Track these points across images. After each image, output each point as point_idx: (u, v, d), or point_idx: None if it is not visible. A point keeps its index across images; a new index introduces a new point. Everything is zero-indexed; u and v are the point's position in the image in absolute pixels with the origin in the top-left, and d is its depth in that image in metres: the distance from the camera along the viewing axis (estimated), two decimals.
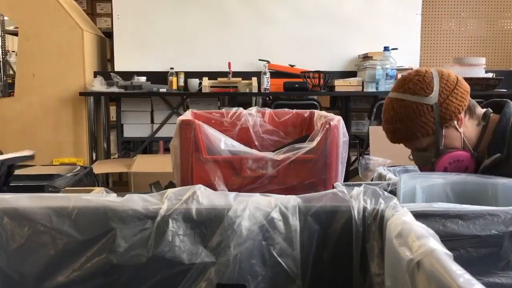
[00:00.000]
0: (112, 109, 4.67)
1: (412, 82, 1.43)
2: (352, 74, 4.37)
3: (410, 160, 1.52)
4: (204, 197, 0.91)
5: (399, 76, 4.12)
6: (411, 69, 4.30)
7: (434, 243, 0.66)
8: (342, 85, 4.16)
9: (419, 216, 0.90)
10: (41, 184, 1.90)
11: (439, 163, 1.40)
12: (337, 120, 1.54)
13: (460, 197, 1.23)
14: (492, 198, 1.21)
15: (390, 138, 1.49)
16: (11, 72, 6.30)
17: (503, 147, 1.39)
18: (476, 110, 1.48)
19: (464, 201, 1.05)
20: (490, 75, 4.06)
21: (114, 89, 4.04)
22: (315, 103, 3.99)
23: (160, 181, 2.09)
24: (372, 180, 1.53)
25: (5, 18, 5.95)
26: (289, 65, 4.36)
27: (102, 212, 0.89)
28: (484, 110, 1.48)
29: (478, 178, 1.28)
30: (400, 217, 0.79)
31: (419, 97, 1.40)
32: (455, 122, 1.42)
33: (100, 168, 3.56)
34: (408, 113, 1.40)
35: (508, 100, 1.48)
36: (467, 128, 1.45)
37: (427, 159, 1.43)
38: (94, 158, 4.13)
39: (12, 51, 6.72)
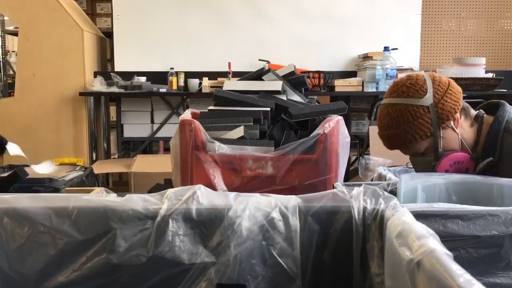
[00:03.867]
0: (112, 109, 4.67)
1: (405, 86, 1.42)
2: (352, 74, 4.37)
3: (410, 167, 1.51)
4: (204, 197, 0.91)
5: (399, 76, 4.14)
6: (411, 69, 4.31)
7: (434, 243, 0.66)
8: (342, 85, 4.15)
9: (419, 216, 0.90)
10: (41, 184, 1.89)
11: (440, 165, 1.39)
12: (337, 120, 1.54)
13: (462, 197, 1.22)
14: (496, 198, 1.21)
15: (387, 144, 1.47)
16: (11, 72, 6.30)
17: (495, 151, 1.39)
18: (470, 111, 1.48)
19: (466, 202, 1.04)
20: (490, 75, 4.05)
21: (114, 89, 4.03)
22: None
23: (161, 182, 2.09)
24: (372, 180, 1.53)
25: (5, 18, 5.96)
26: None
27: (102, 212, 0.89)
28: (477, 111, 1.48)
29: (479, 178, 1.28)
30: (400, 217, 0.79)
31: (414, 100, 1.39)
32: (452, 122, 1.41)
33: (100, 168, 3.56)
34: (405, 117, 1.39)
35: (504, 102, 1.47)
36: (463, 129, 1.44)
37: (427, 163, 1.42)
38: (94, 158, 4.13)
39: (12, 51, 6.72)
